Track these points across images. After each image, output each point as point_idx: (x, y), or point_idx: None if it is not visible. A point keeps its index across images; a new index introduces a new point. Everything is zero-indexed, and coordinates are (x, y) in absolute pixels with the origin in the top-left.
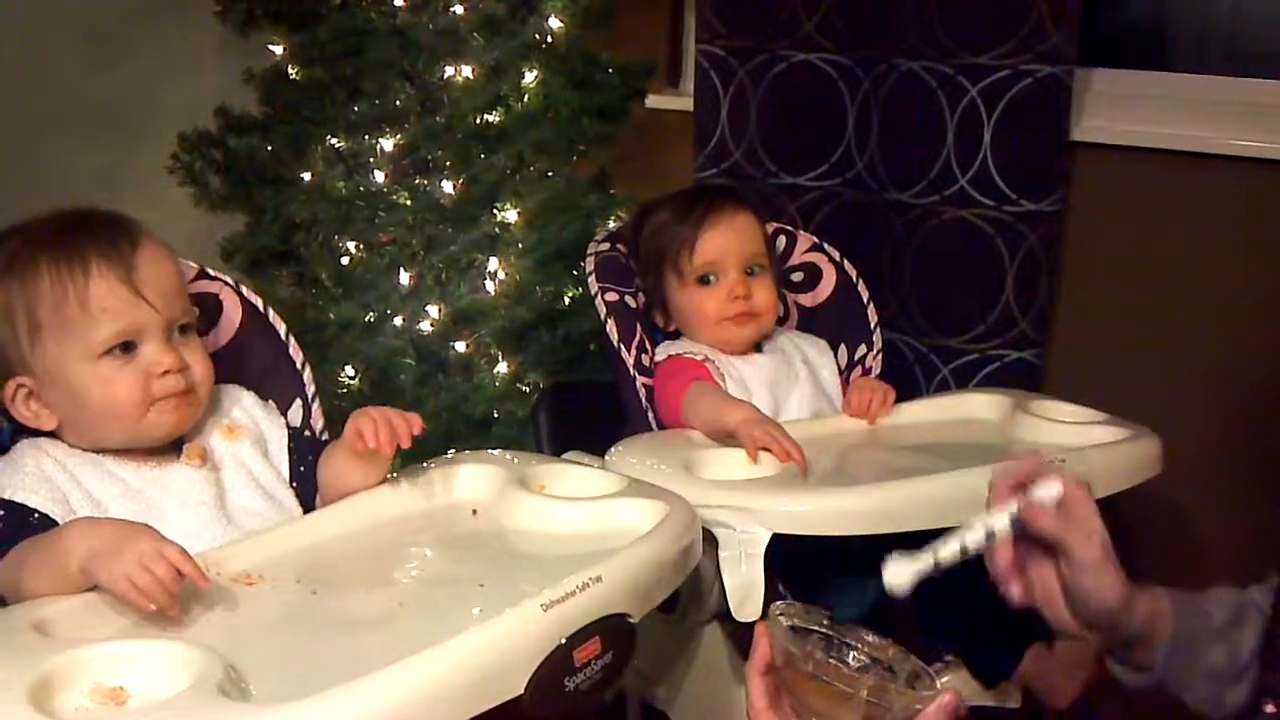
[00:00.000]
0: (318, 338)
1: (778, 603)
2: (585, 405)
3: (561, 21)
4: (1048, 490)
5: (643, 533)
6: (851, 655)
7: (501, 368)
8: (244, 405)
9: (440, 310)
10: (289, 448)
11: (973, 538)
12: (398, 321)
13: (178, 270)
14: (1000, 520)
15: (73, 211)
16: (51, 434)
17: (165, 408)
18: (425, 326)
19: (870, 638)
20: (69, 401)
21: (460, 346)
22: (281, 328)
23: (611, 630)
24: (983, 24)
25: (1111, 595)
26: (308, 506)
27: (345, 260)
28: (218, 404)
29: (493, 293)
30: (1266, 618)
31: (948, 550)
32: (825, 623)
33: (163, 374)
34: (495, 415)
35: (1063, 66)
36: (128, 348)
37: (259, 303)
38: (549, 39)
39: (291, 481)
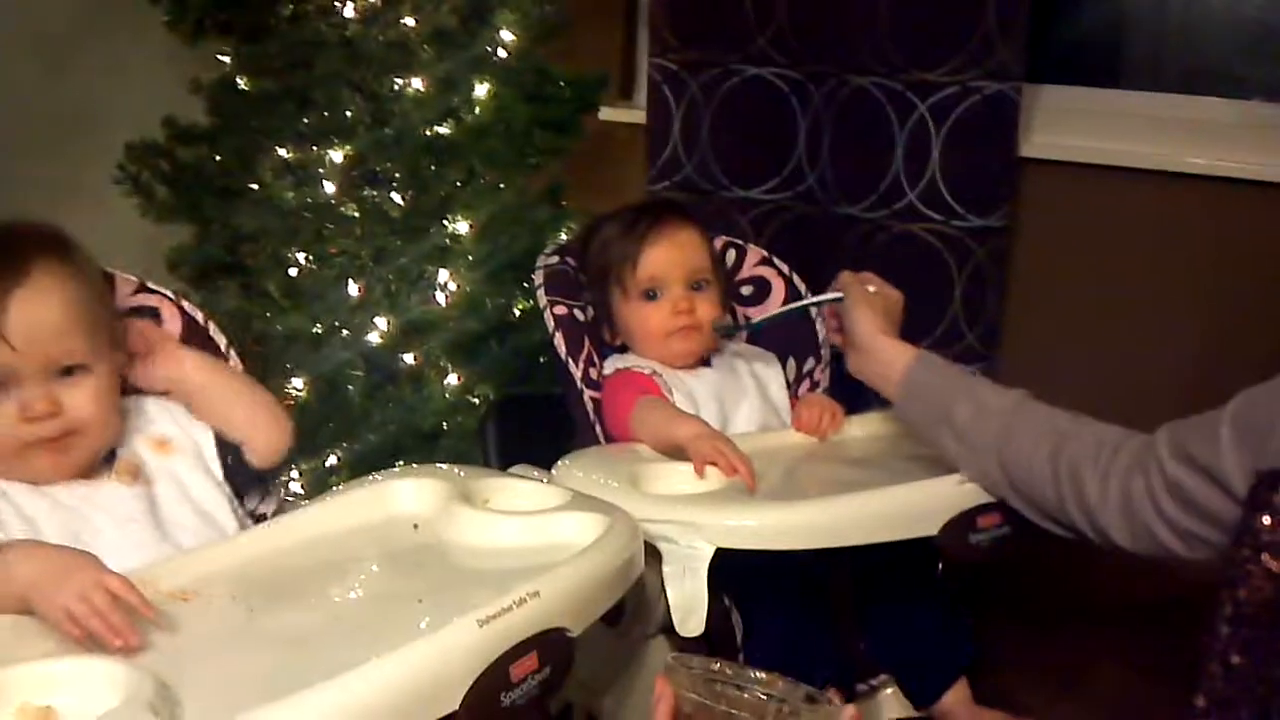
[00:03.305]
0: (265, 349)
1: (671, 654)
2: (534, 418)
3: (513, 34)
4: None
5: (583, 546)
6: (747, 694)
7: (451, 380)
8: (174, 415)
9: (389, 322)
10: (219, 454)
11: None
12: (346, 333)
13: (70, 307)
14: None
15: None
16: None
17: (39, 452)
18: (374, 338)
19: (759, 675)
20: None
21: (409, 358)
22: (222, 341)
23: (549, 645)
24: (932, 41)
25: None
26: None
27: (293, 271)
28: (146, 416)
29: (442, 305)
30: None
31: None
32: (716, 667)
33: (29, 419)
34: (444, 427)
35: (1011, 83)
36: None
37: (199, 316)
38: (500, 51)
39: (227, 479)
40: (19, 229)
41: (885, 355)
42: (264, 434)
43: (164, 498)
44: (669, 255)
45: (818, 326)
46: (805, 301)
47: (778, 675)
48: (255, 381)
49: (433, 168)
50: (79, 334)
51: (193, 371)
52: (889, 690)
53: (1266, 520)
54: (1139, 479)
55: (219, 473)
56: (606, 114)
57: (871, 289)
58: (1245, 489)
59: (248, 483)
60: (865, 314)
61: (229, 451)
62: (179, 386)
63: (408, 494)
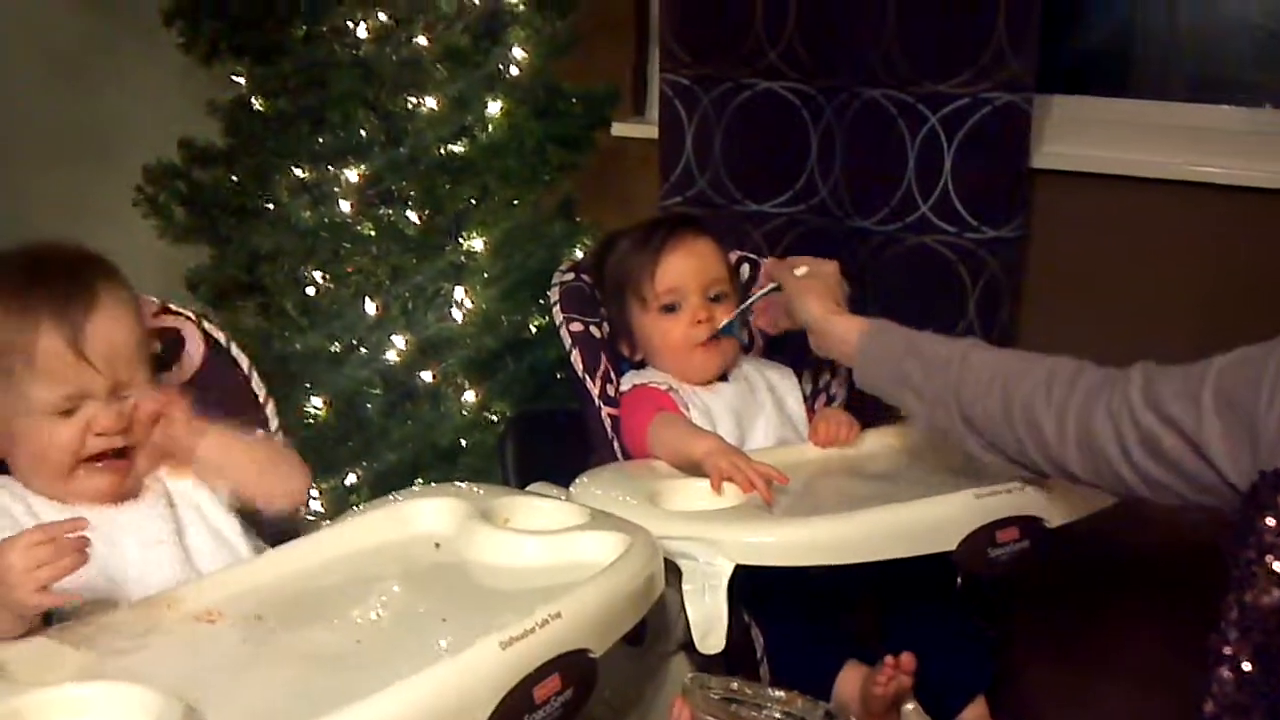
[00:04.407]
0: (284, 369)
1: (690, 675)
2: (552, 434)
3: (525, 51)
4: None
5: (604, 566)
6: (764, 712)
7: (468, 397)
8: None
9: (406, 340)
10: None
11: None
12: (364, 352)
13: (134, 330)
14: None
15: (41, 252)
16: (6, 472)
17: (96, 472)
18: (391, 356)
19: (778, 693)
20: (6, 443)
21: (427, 376)
22: (244, 361)
23: (572, 666)
24: (942, 53)
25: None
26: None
27: (311, 291)
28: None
29: (459, 322)
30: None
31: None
32: (735, 686)
33: (99, 434)
34: (463, 444)
35: (1022, 94)
36: (69, 411)
37: (221, 337)
38: (513, 69)
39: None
40: (71, 251)
41: (838, 332)
42: (279, 497)
43: (183, 520)
44: (687, 265)
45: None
46: (749, 301)
47: (797, 693)
48: (268, 442)
49: (447, 185)
50: (140, 358)
51: (209, 450)
52: (909, 705)
53: (1270, 521)
54: (1106, 423)
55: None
56: (619, 129)
57: (801, 270)
58: (1227, 462)
59: (260, 521)
60: (807, 299)
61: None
62: (200, 467)
63: (428, 513)
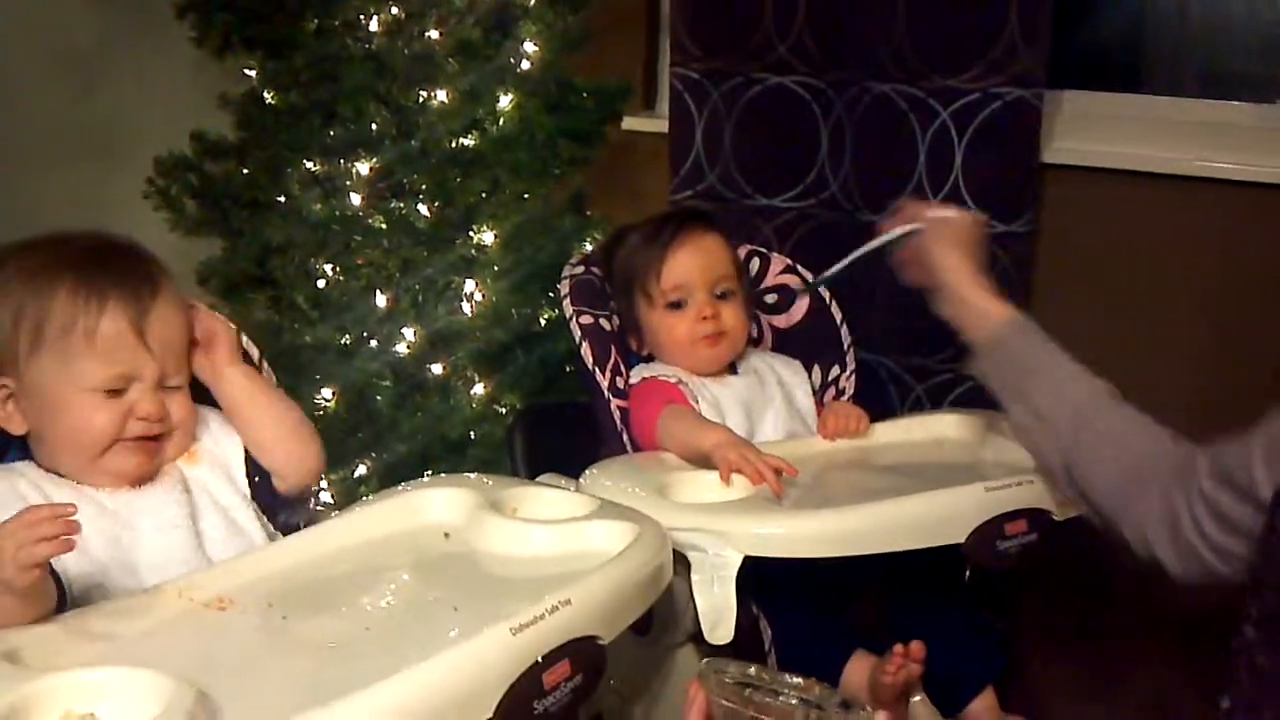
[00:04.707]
0: (294, 361)
1: (705, 660)
2: (561, 427)
3: (536, 45)
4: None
5: (613, 554)
6: (780, 699)
7: (478, 389)
8: (208, 427)
9: (417, 332)
10: (247, 474)
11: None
12: (374, 344)
13: (186, 326)
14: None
15: (111, 240)
16: (25, 457)
17: (129, 451)
18: (402, 349)
19: (795, 680)
20: (43, 417)
21: (437, 368)
22: (255, 353)
23: (581, 652)
24: (953, 47)
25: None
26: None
27: (321, 283)
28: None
29: (469, 315)
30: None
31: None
32: (752, 672)
33: (140, 418)
34: (472, 437)
35: (1033, 89)
36: (118, 391)
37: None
38: (524, 63)
39: (253, 497)
40: (134, 243)
41: (978, 307)
42: (295, 462)
43: (197, 506)
44: (693, 262)
45: (843, 333)
46: (881, 239)
47: (814, 680)
48: (293, 405)
49: (458, 179)
50: (186, 355)
51: (234, 388)
52: (917, 698)
53: None
54: (1180, 496)
55: (245, 489)
56: (629, 124)
57: (942, 215)
58: (1265, 490)
59: (274, 505)
60: (947, 248)
61: (257, 473)
62: (218, 393)
63: (438, 503)
